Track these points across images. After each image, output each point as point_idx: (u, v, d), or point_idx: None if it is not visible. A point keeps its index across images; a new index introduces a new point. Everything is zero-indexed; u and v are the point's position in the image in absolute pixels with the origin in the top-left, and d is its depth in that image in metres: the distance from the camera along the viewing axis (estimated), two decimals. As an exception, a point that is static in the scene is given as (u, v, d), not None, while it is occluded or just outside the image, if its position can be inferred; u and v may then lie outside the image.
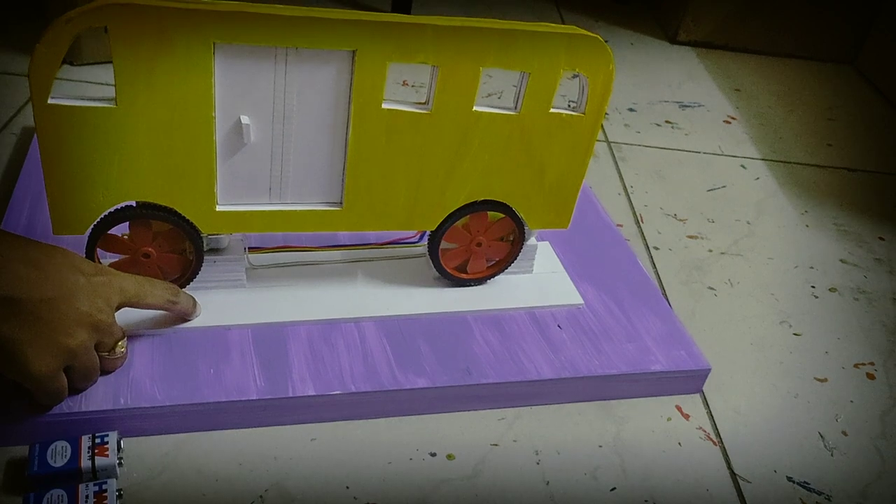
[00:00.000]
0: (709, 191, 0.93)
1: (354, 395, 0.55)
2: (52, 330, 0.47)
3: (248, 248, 0.63)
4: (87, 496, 0.46)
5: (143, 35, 0.47)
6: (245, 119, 0.52)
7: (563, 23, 1.36)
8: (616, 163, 0.96)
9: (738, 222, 0.87)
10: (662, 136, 1.04)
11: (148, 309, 0.55)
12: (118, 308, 0.52)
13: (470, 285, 0.66)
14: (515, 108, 0.56)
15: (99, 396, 0.51)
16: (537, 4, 1.43)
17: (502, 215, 0.62)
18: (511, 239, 0.65)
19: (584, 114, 0.57)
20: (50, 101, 0.48)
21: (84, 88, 0.94)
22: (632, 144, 1.01)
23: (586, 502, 0.53)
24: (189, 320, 0.58)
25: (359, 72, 0.51)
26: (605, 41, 0.56)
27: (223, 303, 0.60)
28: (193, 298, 0.58)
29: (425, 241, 0.64)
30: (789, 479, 0.57)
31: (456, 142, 0.56)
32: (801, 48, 1.37)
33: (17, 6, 1.11)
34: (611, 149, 0.99)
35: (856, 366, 0.69)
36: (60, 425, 0.50)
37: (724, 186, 0.94)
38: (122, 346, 0.53)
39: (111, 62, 0.47)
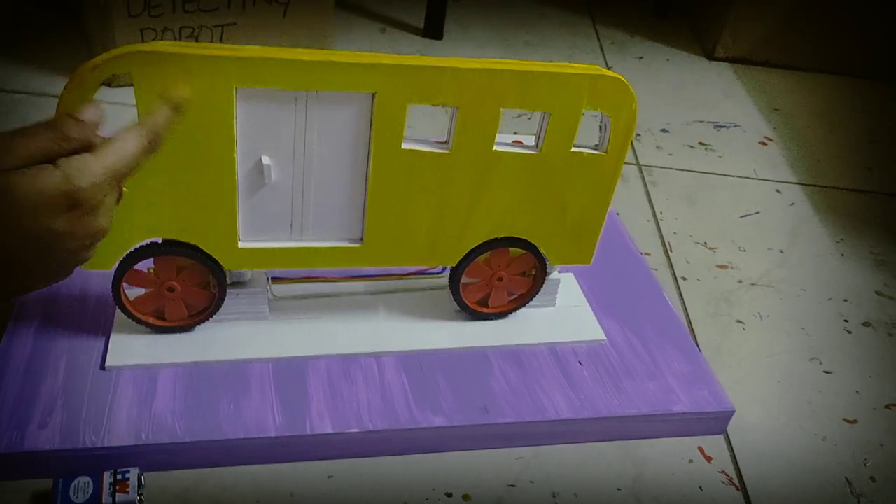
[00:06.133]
0: (741, 217, 0.91)
1: (371, 434, 0.55)
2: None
3: (272, 277, 0.64)
4: (106, 533, 0.47)
5: (166, 81, 0.48)
6: (266, 159, 0.53)
7: (599, 38, 1.35)
8: (646, 187, 0.95)
9: (771, 251, 0.86)
10: (695, 158, 1.03)
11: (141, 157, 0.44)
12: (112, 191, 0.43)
13: (491, 319, 0.65)
14: (536, 147, 0.56)
15: (122, 432, 0.52)
16: (573, 20, 1.41)
17: (524, 251, 0.62)
18: (533, 273, 0.64)
19: (606, 153, 0.57)
20: (76, 143, 0.49)
21: (122, 110, 0.95)
22: (663, 167, 0.99)
23: (602, 547, 0.53)
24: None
25: (378, 114, 0.52)
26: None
27: (245, 336, 0.60)
28: (164, 109, 0.47)
29: (448, 273, 0.64)
30: (813, 527, 0.56)
31: (476, 181, 0.56)
32: (843, 65, 1.33)
33: (57, 29, 1.14)
34: (641, 172, 0.98)
35: (887, 406, 0.67)
36: (83, 460, 0.51)
37: (757, 212, 0.93)
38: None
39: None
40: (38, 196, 0.38)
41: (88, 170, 0.40)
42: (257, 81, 0.49)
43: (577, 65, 0.54)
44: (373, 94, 0.51)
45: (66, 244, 0.40)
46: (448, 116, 0.54)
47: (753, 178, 1.00)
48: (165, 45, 0.47)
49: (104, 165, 0.41)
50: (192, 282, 0.58)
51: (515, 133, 0.61)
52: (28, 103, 0.97)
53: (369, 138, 0.53)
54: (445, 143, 0.55)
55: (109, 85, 1.00)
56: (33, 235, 0.39)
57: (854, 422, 0.65)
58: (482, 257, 0.61)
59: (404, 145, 0.54)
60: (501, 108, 0.53)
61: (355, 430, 0.55)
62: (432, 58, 0.52)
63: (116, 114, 0.96)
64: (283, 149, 0.53)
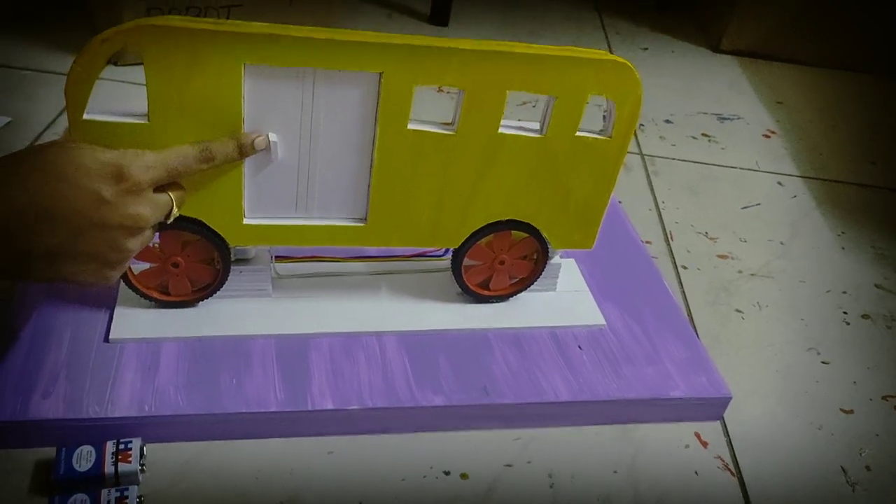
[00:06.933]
0: (743, 208, 0.92)
1: (371, 411, 0.56)
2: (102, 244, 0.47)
3: (276, 256, 0.64)
4: (108, 501, 0.48)
5: (175, 55, 0.48)
6: (273, 137, 0.53)
7: (605, 29, 1.35)
8: (649, 176, 0.95)
9: (772, 242, 0.86)
10: (698, 149, 1.03)
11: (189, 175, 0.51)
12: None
13: (492, 302, 0.66)
14: (541, 130, 0.56)
15: (125, 403, 0.53)
16: (578, 10, 1.42)
17: (526, 234, 0.62)
18: (535, 257, 0.65)
19: (610, 137, 0.57)
20: (85, 116, 0.49)
21: (127, 89, 0.96)
22: (666, 158, 1.00)
23: (597, 528, 0.53)
24: (257, 151, 0.52)
25: (385, 93, 0.52)
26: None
27: (248, 312, 0.61)
28: (237, 138, 0.52)
29: (451, 255, 0.64)
30: (807, 513, 0.57)
31: (480, 163, 0.56)
32: (847, 60, 1.34)
33: (64, 7, 1.14)
34: (644, 162, 0.98)
35: (884, 398, 0.68)
36: (86, 430, 0.52)
37: (758, 204, 0.93)
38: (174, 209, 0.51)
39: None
40: (95, 162, 0.45)
41: (143, 155, 0.48)
42: (265, 58, 0.49)
43: (583, 49, 0.54)
44: (380, 74, 0.51)
45: (108, 215, 0.46)
46: (454, 98, 0.55)
47: (756, 171, 1.00)
48: (175, 20, 0.47)
49: (156, 156, 0.49)
50: (197, 257, 0.58)
51: (519, 120, 0.61)
52: (34, 80, 0.97)
53: (375, 118, 0.53)
54: (451, 124, 0.55)
55: (115, 63, 1.00)
56: (83, 193, 0.45)
57: (851, 412, 0.66)
58: (485, 240, 0.62)
59: (410, 126, 0.54)
60: (507, 91, 0.54)
61: (356, 407, 0.56)
62: (440, 38, 0.52)
63: (122, 92, 0.97)
64: (290, 126, 0.53)
